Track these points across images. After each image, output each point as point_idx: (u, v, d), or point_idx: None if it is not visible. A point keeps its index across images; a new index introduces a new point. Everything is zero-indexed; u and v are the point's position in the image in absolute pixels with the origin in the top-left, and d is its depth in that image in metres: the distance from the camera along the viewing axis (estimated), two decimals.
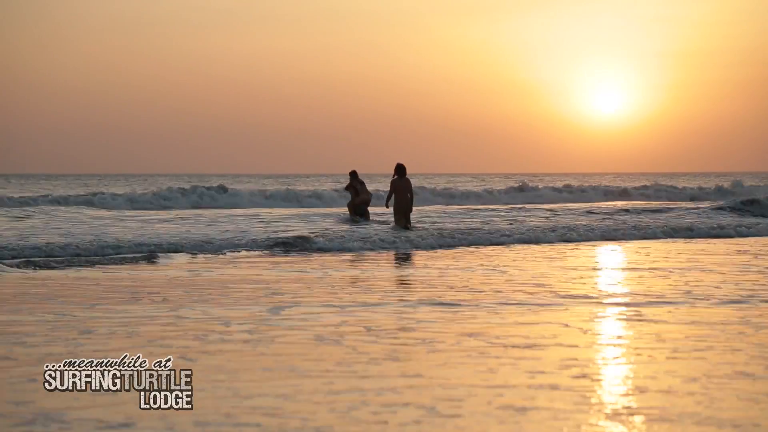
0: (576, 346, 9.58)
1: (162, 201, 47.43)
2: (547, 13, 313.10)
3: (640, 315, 11.72)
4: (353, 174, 33.15)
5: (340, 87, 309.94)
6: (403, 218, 27.01)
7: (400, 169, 27.01)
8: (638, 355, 9.16)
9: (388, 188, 29.60)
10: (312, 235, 23.63)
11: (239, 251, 21.40)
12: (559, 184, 68.82)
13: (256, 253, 21.41)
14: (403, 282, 16.00)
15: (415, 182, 65.76)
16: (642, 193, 61.97)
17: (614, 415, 6.88)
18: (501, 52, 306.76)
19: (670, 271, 17.15)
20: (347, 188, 33.63)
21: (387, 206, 27.56)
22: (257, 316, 11.65)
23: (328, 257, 20.56)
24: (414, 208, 29.89)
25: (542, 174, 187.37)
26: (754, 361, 8.84)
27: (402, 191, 26.99)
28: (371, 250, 22.36)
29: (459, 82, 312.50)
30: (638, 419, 6.80)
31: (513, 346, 9.52)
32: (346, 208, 34.14)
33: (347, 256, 20.79)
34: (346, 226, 28.73)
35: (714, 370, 8.39)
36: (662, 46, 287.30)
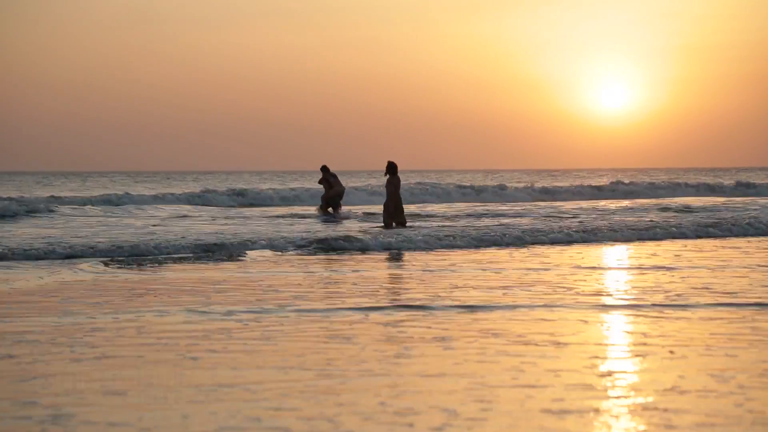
0: (600, 344, 9.32)
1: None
2: (553, 9, 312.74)
3: (663, 313, 11.45)
4: (325, 168, 34.20)
5: (346, 83, 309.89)
6: (393, 215, 26.95)
7: (392, 168, 27.15)
8: (672, 353, 8.87)
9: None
10: (359, 234, 23.04)
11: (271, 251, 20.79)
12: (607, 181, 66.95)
13: (294, 253, 20.67)
14: (416, 281, 15.72)
15: (418, 178, 65.40)
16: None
17: (653, 417, 6.58)
18: (507, 48, 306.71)
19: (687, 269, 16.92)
20: (320, 182, 34.89)
21: (391, 208, 27.04)
22: (266, 315, 11.42)
23: (364, 257, 19.92)
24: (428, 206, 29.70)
25: (548, 170, 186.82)
26: None
27: (395, 190, 27.09)
28: (411, 250, 21.60)
29: (465, 78, 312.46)
30: (679, 420, 6.50)
31: (534, 344, 9.24)
32: (320, 203, 35.57)
33: (381, 256, 20.14)
34: (380, 226, 27.68)
35: (749, 369, 8.10)
36: (667, 41, 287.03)
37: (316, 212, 35.19)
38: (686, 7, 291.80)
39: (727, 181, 67.98)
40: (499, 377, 7.76)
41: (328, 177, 34.35)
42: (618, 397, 7.12)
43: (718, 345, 9.22)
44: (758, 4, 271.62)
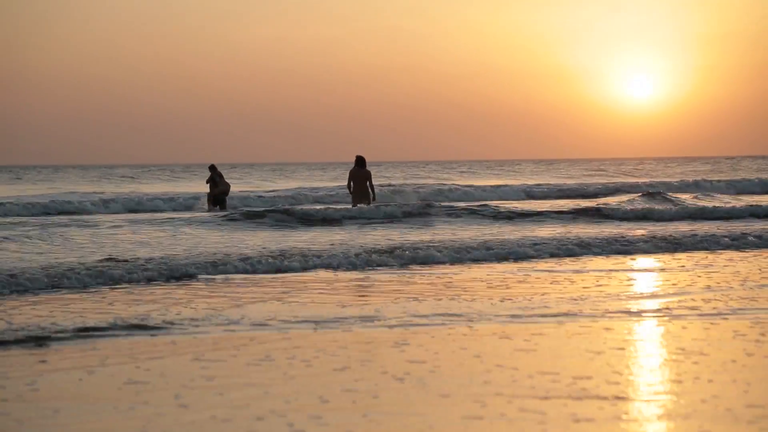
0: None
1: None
2: (580, 1, 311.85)
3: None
4: (212, 167, 37.20)
5: (375, 73, 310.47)
6: (358, 202, 30.57)
7: (359, 161, 30.19)
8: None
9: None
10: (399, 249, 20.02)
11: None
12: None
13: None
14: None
15: (442, 170, 64.90)
16: None
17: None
18: (537, 38, 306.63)
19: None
20: (208, 181, 37.59)
21: (350, 191, 30.83)
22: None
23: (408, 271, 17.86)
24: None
25: (579, 159, 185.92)
26: None
27: (359, 180, 30.40)
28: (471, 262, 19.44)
29: (495, 68, 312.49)
30: None
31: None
32: (208, 203, 37.67)
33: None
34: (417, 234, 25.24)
35: None
36: (692, 30, 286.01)
37: (205, 209, 37.27)
38: None
39: None
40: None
41: (215, 176, 37.03)
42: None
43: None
44: None
